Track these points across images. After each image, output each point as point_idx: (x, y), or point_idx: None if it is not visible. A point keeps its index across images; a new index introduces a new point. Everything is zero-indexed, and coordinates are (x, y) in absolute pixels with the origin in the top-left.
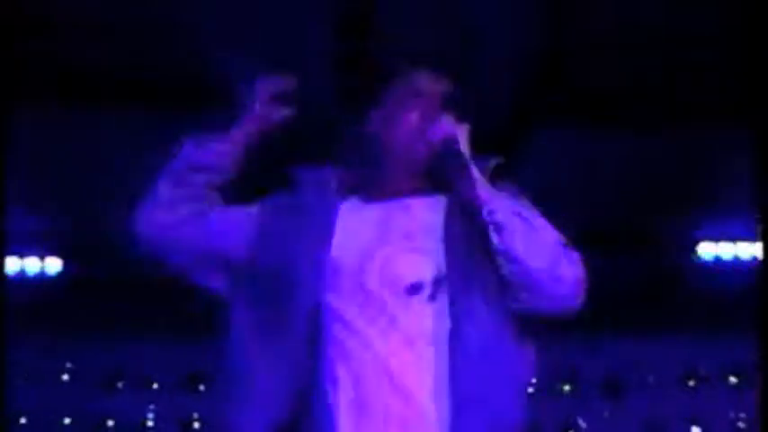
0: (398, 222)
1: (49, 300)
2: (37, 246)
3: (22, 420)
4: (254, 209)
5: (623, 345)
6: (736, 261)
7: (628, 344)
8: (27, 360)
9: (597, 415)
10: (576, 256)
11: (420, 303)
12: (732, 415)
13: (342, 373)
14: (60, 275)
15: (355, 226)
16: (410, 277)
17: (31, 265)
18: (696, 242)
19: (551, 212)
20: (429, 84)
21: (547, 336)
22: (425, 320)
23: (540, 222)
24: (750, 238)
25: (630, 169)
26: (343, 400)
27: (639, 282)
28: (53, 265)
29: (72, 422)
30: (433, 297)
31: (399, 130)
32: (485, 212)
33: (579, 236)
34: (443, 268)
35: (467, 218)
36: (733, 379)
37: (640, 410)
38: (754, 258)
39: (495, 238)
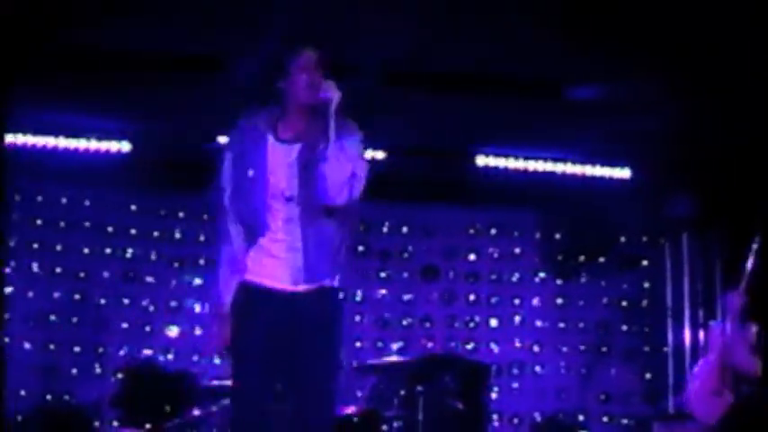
0: (286, 159)
1: None
2: None
3: None
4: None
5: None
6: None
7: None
8: None
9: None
10: (355, 187)
11: (291, 206)
12: (493, 250)
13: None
14: None
15: (272, 159)
16: (287, 192)
17: None
18: (476, 155)
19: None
20: (311, 58)
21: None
22: (295, 214)
23: (347, 162)
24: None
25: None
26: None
27: (440, 176)
28: None
29: None
30: (297, 203)
31: (295, 87)
32: (326, 146)
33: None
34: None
35: (310, 158)
36: (493, 231)
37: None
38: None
39: (322, 161)
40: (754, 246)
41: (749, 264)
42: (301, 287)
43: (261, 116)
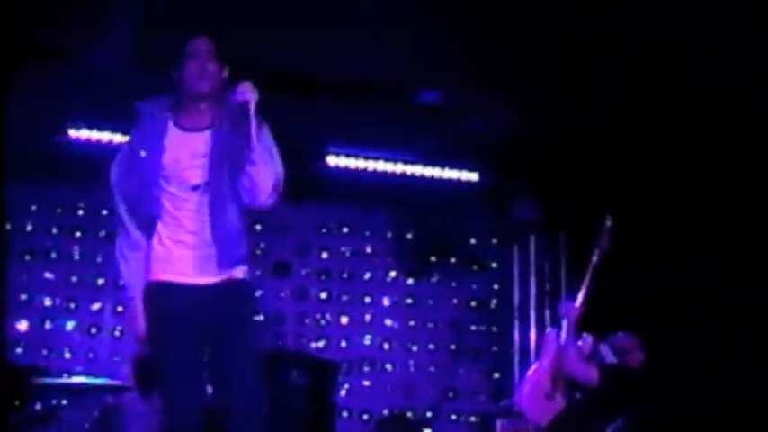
0: (191, 148)
1: None
2: None
3: None
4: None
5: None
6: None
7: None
8: None
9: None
10: (277, 185)
11: (197, 195)
12: (344, 249)
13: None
14: None
15: (174, 147)
16: (194, 181)
17: None
18: (327, 155)
19: None
20: (202, 46)
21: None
22: (201, 202)
23: (274, 162)
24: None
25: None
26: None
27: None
28: None
29: None
30: (203, 192)
31: (186, 75)
32: (251, 149)
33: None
34: (208, 176)
35: (226, 146)
36: (345, 230)
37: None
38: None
39: (249, 165)
40: (593, 259)
41: (587, 276)
42: (211, 279)
43: (160, 101)
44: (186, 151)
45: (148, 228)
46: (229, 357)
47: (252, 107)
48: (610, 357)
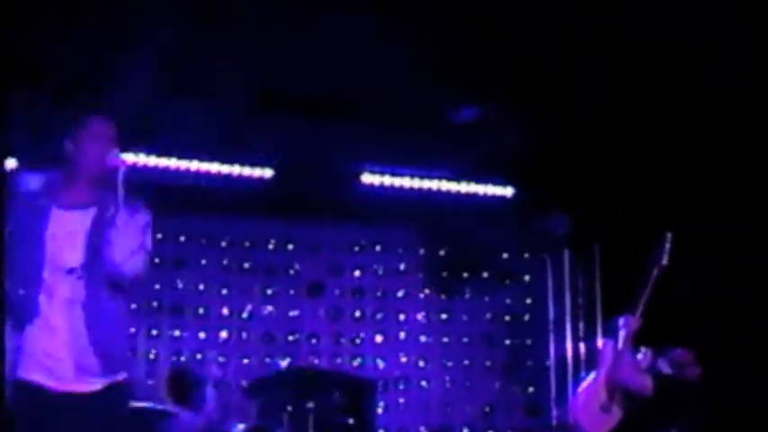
0: (68, 226)
1: None
2: None
3: None
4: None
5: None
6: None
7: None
8: None
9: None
10: (140, 259)
11: (72, 281)
12: (377, 266)
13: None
14: None
15: (52, 229)
16: (69, 263)
17: None
18: (361, 173)
19: None
20: (104, 127)
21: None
22: (76, 290)
23: (135, 232)
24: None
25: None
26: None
27: (323, 191)
28: None
29: None
30: (79, 276)
31: (86, 156)
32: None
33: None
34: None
35: (102, 225)
36: (378, 248)
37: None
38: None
39: (112, 230)
40: (654, 272)
41: (647, 291)
42: (90, 386)
43: (41, 183)
44: (64, 231)
45: (22, 318)
46: None
47: (121, 174)
48: (667, 371)
